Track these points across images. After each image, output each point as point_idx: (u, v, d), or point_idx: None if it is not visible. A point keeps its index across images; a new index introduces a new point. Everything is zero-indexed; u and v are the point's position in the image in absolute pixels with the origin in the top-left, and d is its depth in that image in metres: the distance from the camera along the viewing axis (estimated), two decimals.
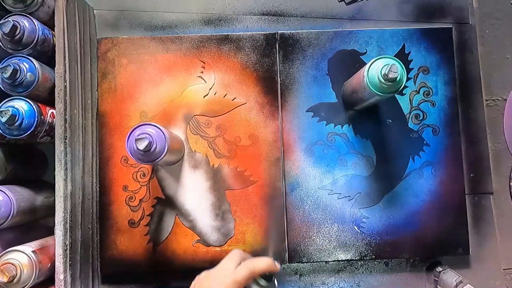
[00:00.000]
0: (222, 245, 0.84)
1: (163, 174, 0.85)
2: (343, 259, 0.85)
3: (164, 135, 0.70)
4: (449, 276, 0.83)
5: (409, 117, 0.87)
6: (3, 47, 0.73)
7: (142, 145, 0.67)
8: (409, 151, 0.87)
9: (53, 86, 0.75)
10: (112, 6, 0.91)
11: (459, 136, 0.88)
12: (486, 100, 0.93)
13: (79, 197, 0.77)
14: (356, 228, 0.85)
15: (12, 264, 0.66)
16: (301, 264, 0.87)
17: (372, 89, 0.71)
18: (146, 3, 0.92)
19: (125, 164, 0.85)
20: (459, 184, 0.87)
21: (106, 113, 0.86)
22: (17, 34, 0.71)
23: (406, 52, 0.88)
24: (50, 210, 0.77)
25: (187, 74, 0.87)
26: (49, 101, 0.76)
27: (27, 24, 0.72)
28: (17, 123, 0.70)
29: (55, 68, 0.74)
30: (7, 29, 0.69)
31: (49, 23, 0.77)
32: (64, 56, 0.75)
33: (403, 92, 0.88)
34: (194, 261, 0.83)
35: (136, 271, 0.85)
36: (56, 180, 0.72)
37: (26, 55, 0.73)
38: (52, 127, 0.76)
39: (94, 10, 0.90)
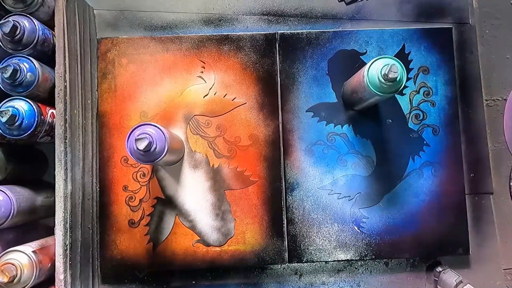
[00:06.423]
0: (222, 245, 0.84)
1: (163, 174, 0.85)
2: (343, 259, 0.85)
3: (164, 135, 0.70)
4: (449, 276, 0.83)
5: (409, 117, 0.87)
6: (3, 47, 0.73)
7: (142, 145, 0.67)
8: (409, 151, 0.87)
9: (53, 86, 0.75)
10: (112, 6, 0.91)
11: (459, 136, 0.88)
12: (486, 100, 0.93)
13: (79, 197, 0.77)
14: (356, 228, 0.85)
15: (13, 264, 0.66)
16: (301, 264, 0.87)
17: (372, 89, 0.71)
18: (146, 3, 0.92)
19: (125, 164, 0.85)
20: (459, 184, 0.86)
21: (106, 113, 0.86)
22: (17, 34, 0.71)
23: (406, 52, 0.88)
24: (50, 210, 0.77)
25: (187, 74, 0.87)
26: (49, 101, 0.76)
27: (27, 24, 0.72)
28: (17, 123, 0.70)
29: (55, 68, 0.74)
30: (7, 29, 0.69)
31: (49, 23, 0.77)
32: (64, 56, 0.75)
33: (403, 92, 0.88)
34: (194, 261, 0.83)
35: (136, 271, 0.85)
36: (56, 180, 0.72)
37: (26, 55, 0.73)
38: (52, 127, 0.76)
39: (94, 10, 0.90)
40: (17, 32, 0.71)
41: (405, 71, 0.70)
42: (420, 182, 0.86)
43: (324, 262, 0.88)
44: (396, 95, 0.87)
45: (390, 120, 0.87)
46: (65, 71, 0.74)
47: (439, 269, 0.86)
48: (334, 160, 0.86)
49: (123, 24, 0.91)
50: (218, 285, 0.87)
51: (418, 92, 0.88)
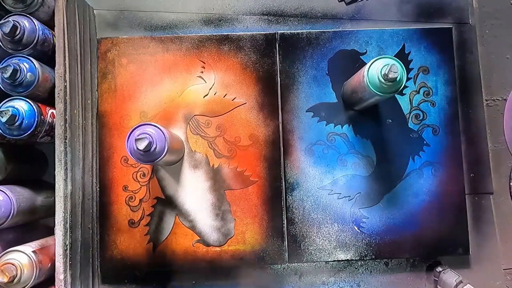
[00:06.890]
0: (222, 245, 0.84)
1: (163, 174, 0.85)
2: (343, 259, 0.85)
3: (164, 135, 0.70)
4: (449, 276, 0.83)
5: (409, 117, 0.87)
6: (3, 47, 0.73)
7: (142, 145, 0.67)
8: (409, 151, 0.87)
9: (53, 86, 0.75)
10: (112, 6, 0.91)
11: (459, 136, 0.88)
12: (486, 100, 0.92)
13: (79, 197, 0.77)
14: (356, 228, 0.85)
15: (13, 264, 0.66)
16: (301, 264, 0.87)
17: (372, 89, 0.71)
18: (146, 3, 0.92)
19: (125, 164, 0.85)
20: (459, 184, 0.86)
21: (106, 113, 0.86)
22: (17, 34, 0.71)
23: (406, 52, 0.88)
24: (50, 210, 0.77)
25: (187, 74, 0.87)
26: (49, 101, 0.76)
27: (27, 24, 0.72)
28: (17, 123, 0.70)
29: (55, 68, 0.74)
30: (7, 29, 0.69)
31: (49, 23, 0.77)
32: (64, 56, 0.75)
33: (403, 92, 0.88)
34: (194, 261, 0.83)
35: (136, 271, 0.85)
36: (56, 180, 0.72)
37: (26, 55, 0.73)
38: (52, 127, 0.76)
39: (94, 10, 0.90)
40: (17, 32, 0.71)
41: (405, 71, 0.70)
42: (420, 182, 0.86)
43: (324, 262, 0.88)
44: (396, 95, 0.87)
45: (390, 120, 0.87)
46: (65, 71, 0.74)
47: (439, 269, 0.86)
48: (334, 160, 0.86)
49: (123, 24, 0.91)
50: (218, 285, 0.87)
51: (418, 92, 0.88)
